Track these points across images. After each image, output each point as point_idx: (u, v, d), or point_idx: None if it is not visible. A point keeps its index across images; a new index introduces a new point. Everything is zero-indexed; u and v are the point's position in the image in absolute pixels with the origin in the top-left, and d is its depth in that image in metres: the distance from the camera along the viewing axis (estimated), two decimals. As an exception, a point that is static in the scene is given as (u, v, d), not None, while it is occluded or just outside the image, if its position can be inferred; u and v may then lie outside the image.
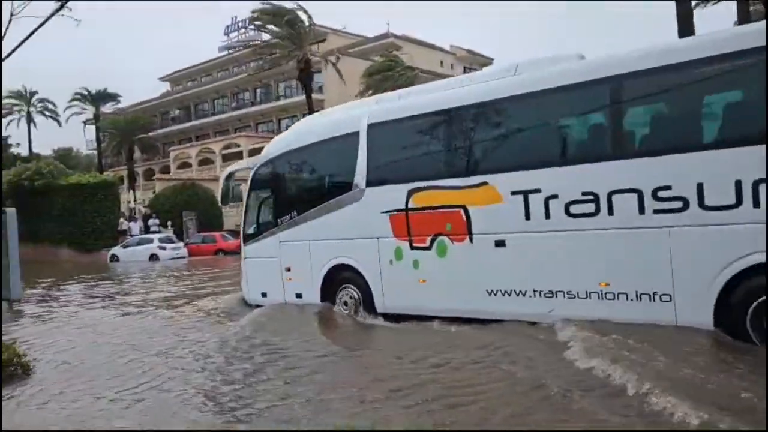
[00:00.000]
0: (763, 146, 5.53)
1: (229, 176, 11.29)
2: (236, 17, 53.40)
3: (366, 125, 8.73)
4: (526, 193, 7.17)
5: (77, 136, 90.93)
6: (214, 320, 9.57)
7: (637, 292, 6.44)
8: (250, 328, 8.27)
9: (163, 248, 26.75)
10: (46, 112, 60.44)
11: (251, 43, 46.40)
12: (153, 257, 26.36)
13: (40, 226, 28.42)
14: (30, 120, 59.83)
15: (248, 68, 49.31)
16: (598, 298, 6.71)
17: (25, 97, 59.11)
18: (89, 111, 58.14)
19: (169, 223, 32.33)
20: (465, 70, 58.98)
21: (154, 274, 19.86)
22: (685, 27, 16.21)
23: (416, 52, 46.83)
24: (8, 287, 12.97)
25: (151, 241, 27.66)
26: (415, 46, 48.93)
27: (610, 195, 6.55)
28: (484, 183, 7.52)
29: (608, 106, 6.71)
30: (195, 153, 48.68)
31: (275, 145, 10.41)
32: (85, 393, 5.91)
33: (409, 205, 8.28)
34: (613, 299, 6.60)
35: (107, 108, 58.13)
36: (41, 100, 59.88)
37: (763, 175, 5.62)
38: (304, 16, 35.53)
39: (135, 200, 42.26)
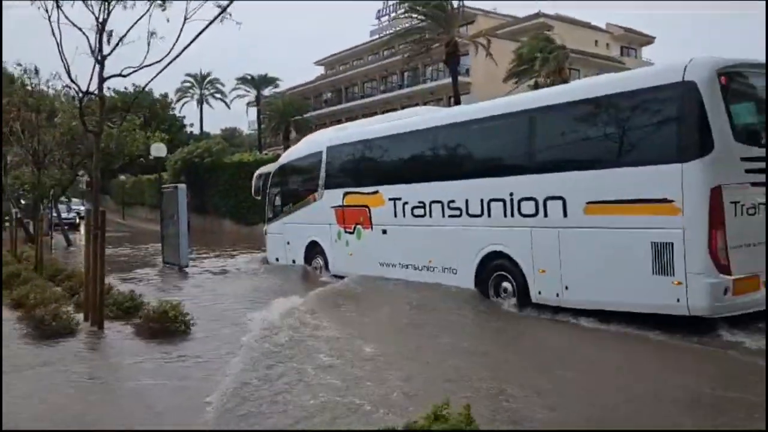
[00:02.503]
0: (494, 177, 9.25)
1: (259, 176, 15.78)
2: (387, 1, 54.46)
3: (326, 146, 12.97)
4: (394, 200, 11.07)
5: (242, 117, 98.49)
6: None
7: (442, 266, 10.17)
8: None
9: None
10: (217, 95, 66.23)
11: (400, 26, 47.35)
12: (302, 232, 28.10)
13: (207, 200, 31.50)
14: (202, 101, 65.87)
15: (397, 51, 50.36)
16: (428, 270, 10.45)
17: (198, 80, 65.07)
18: (251, 94, 62.82)
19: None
20: (622, 51, 55.61)
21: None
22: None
23: (569, 31, 44.83)
24: (178, 255, 14.77)
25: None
26: (567, 26, 46.86)
27: (430, 203, 10.36)
28: (377, 191, 11.46)
29: (429, 147, 10.70)
30: (344, 134, 50.68)
31: (285, 155, 15.32)
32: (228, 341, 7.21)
33: (344, 203, 12.27)
34: (434, 271, 10.33)
35: (267, 91, 62.34)
36: (212, 82, 65.62)
37: (493, 196, 9.22)
38: (453, -2, 35.51)
39: (289, 178, 45.01)
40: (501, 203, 9.09)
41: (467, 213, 9.65)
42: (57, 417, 5.05)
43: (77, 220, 36.90)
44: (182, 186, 15.54)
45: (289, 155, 14.91)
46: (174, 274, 14.67)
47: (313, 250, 13.34)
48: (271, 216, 15.01)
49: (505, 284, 9.14)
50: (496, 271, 9.26)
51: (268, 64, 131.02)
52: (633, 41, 55.75)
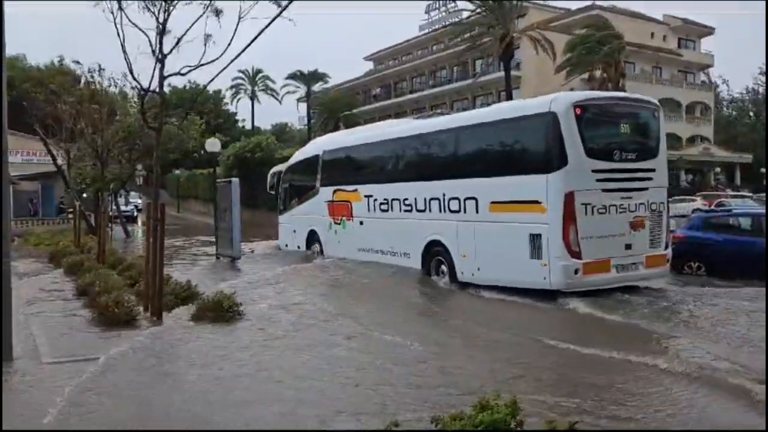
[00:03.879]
0: (430, 181, 11.78)
1: (273, 174, 18.37)
2: (438, -2, 54.27)
3: (322, 150, 15.67)
4: (368, 197, 13.52)
5: (292, 112, 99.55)
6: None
7: (401, 251, 12.52)
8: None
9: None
10: (268, 91, 67.37)
11: (452, 20, 47.10)
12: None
13: (258, 194, 32.12)
14: (253, 97, 67.10)
15: (447, 46, 50.09)
16: (391, 254, 12.79)
17: (249, 76, 66.25)
18: (302, 90, 63.57)
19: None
20: (680, 43, 53.80)
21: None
22: None
23: (624, 24, 43.59)
24: (231, 247, 15.17)
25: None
26: (622, 18, 45.54)
27: (392, 200, 12.84)
28: (356, 189, 13.92)
29: (389, 154, 13.30)
30: (393, 130, 50.65)
31: (294, 157, 17.66)
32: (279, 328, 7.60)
33: (333, 199, 14.77)
34: (395, 255, 12.66)
35: (317, 87, 62.99)
36: (262, 79, 66.74)
37: (432, 196, 11.66)
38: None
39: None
40: (437, 201, 11.60)
41: (416, 209, 12.17)
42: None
43: (135, 213, 38.22)
44: (235, 180, 15.96)
45: (296, 157, 17.45)
46: (226, 265, 15.14)
47: (313, 237, 15.83)
48: (282, 209, 17.62)
49: (443, 266, 11.55)
50: (436, 256, 11.67)
51: (317, 59, 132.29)
52: (691, 33, 53.85)
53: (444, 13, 53.57)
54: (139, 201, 42.68)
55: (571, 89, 44.57)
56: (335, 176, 14.81)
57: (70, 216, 24.54)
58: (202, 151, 26.76)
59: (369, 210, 13.45)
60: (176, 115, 21.39)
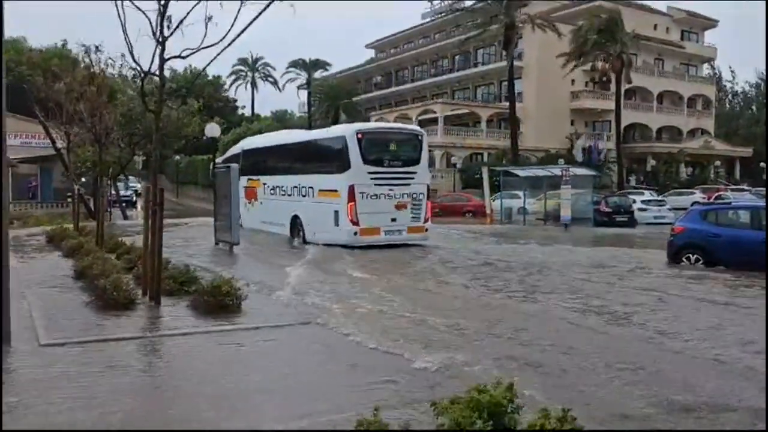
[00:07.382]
0: (292, 175, 18.07)
1: (215, 166, 21.51)
2: (442, -15, 53.90)
3: (242, 149, 21.74)
4: (265, 184, 19.52)
5: (292, 99, 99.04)
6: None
7: (280, 222, 18.26)
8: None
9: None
10: (269, 78, 67.08)
11: (454, 7, 46.82)
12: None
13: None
14: (254, 84, 66.80)
15: (448, 34, 49.83)
16: (275, 225, 18.51)
17: (249, 64, 65.91)
18: (302, 77, 63.25)
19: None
20: (683, 35, 53.54)
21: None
22: None
23: (627, 15, 43.42)
24: (230, 233, 15.16)
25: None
26: (625, 9, 45.33)
27: (275, 187, 18.91)
28: (259, 179, 19.75)
29: (272, 155, 20.09)
30: (393, 118, 50.53)
31: (227, 152, 23.25)
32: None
33: (247, 185, 19.98)
34: (278, 225, 18.40)
35: (318, 74, 62.68)
36: (263, 65, 66.41)
37: (294, 185, 17.74)
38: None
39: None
40: (297, 189, 17.40)
41: (287, 194, 17.96)
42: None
43: (134, 198, 38.17)
44: (234, 166, 15.89)
45: (229, 152, 22.97)
46: (224, 251, 15.15)
47: None
48: None
49: (300, 232, 17.05)
50: (296, 225, 17.31)
51: (318, 46, 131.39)
52: (694, 25, 53.61)
53: (447, 2, 53.23)
54: (138, 186, 42.60)
55: (572, 81, 44.53)
56: (249, 168, 20.02)
57: (69, 200, 24.48)
58: (204, 137, 26.71)
59: (265, 194, 19.36)
60: (174, 100, 21.35)
